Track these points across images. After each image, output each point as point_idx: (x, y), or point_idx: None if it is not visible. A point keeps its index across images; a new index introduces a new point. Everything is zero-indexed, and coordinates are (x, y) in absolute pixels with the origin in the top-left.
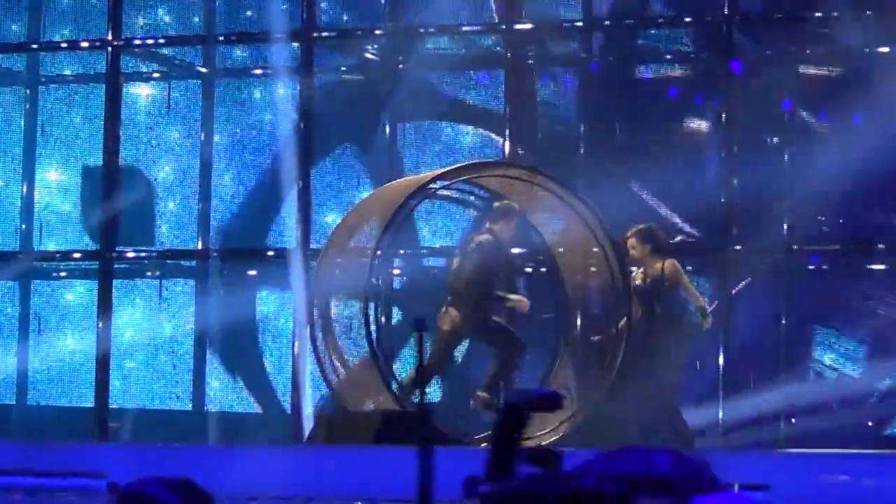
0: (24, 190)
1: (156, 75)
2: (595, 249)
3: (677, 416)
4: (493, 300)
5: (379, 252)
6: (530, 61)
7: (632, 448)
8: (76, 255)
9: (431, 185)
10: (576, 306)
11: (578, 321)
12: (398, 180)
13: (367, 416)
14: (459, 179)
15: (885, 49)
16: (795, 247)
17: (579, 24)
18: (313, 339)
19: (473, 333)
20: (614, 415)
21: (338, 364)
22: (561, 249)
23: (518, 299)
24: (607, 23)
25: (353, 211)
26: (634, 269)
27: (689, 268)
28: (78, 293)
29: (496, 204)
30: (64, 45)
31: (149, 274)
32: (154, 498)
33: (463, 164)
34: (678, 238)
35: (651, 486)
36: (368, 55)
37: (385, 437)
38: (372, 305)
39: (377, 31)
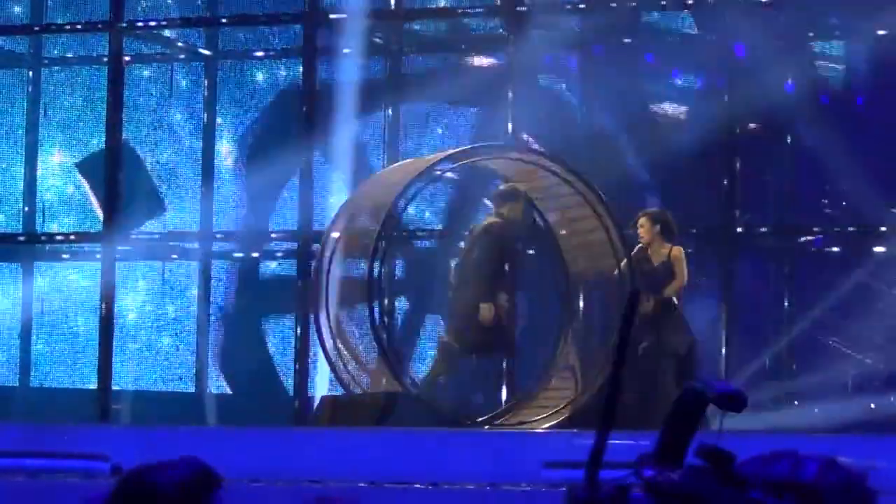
0: (27, 172)
1: (158, 58)
2: (599, 231)
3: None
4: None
5: (382, 234)
6: (533, 43)
7: (783, 452)
8: (80, 237)
9: (436, 169)
10: (578, 288)
11: (581, 303)
12: (399, 163)
13: (370, 398)
14: (464, 162)
15: (885, 32)
16: (798, 229)
17: (582, 5)
18: (317, 324)
19: (481, 325)
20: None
21: (342, 347)
22: (564, 231)
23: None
24: (613, 4)
25: (354, 195)
26: (640, 247)
27: (690, 250)
28: (81, 275)
29: (501, 187)
30: (66, 27)
31: (152, 256)
32: (154, 487)
33: (467, 146)
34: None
35: (797, 493)
36: (371, 37)
37: (387, 418)
38: (376, 290)
39: (379, 13)
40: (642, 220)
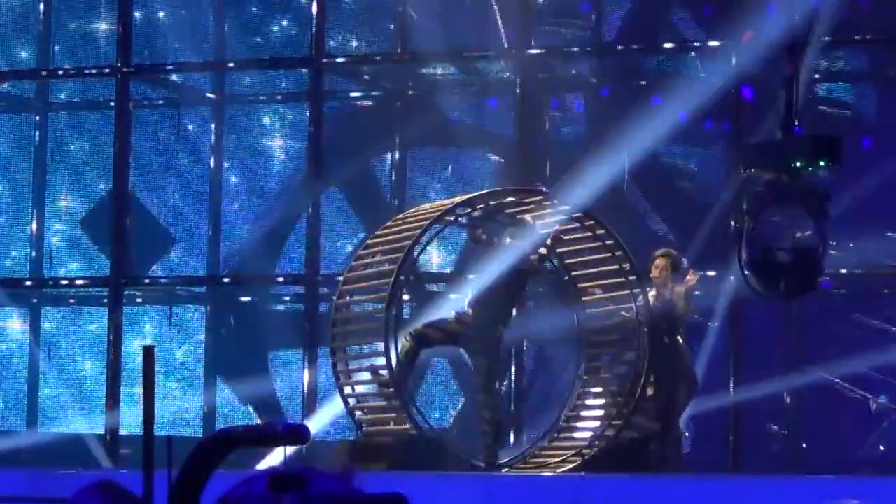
0: (35, 217)
1: (165, 102)
2: (616, 277)
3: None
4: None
5: (400, 278)
6: (540, 86)
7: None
8: (87, 282)
9: (454, 212)
10: (595, 335)
11: (598, 348)
12: (416, 207)
13: (385, 443)
14: (482, 207)
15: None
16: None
17: (588, 49)
18: (334, 367)
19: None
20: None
21: (359, 391)
22: (581, 276)
23: None
24: (619, 47)
25: (371, 239)
26: (652, 291)
27: (698, 293)
28: (88, 319)
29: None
30: (73, 71)
31: (159, 300)
32: None
33: (487, 190)
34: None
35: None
36: (378, 81)
37: (403, 463)
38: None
39: (386, 57)
40: (659, 262)
